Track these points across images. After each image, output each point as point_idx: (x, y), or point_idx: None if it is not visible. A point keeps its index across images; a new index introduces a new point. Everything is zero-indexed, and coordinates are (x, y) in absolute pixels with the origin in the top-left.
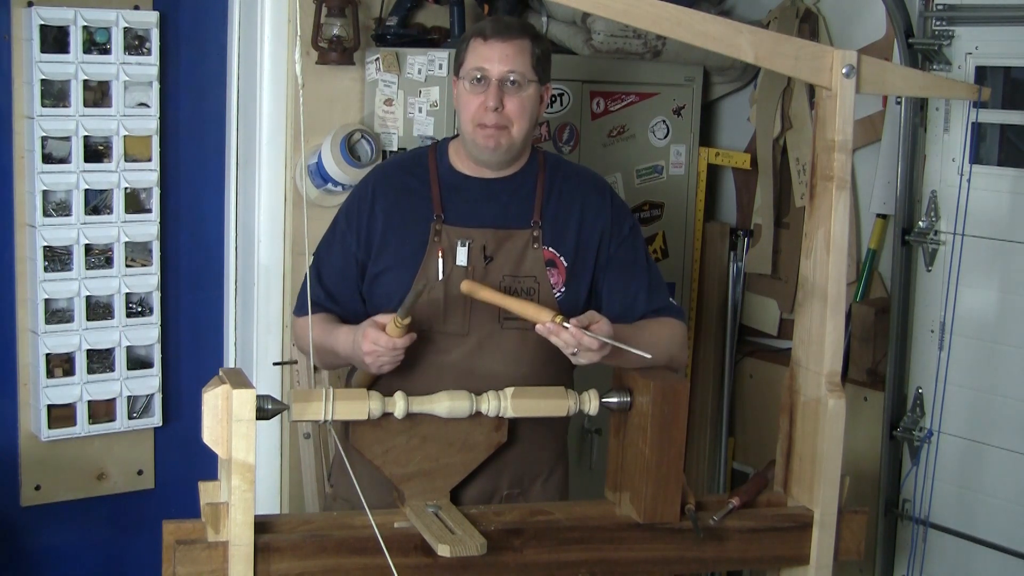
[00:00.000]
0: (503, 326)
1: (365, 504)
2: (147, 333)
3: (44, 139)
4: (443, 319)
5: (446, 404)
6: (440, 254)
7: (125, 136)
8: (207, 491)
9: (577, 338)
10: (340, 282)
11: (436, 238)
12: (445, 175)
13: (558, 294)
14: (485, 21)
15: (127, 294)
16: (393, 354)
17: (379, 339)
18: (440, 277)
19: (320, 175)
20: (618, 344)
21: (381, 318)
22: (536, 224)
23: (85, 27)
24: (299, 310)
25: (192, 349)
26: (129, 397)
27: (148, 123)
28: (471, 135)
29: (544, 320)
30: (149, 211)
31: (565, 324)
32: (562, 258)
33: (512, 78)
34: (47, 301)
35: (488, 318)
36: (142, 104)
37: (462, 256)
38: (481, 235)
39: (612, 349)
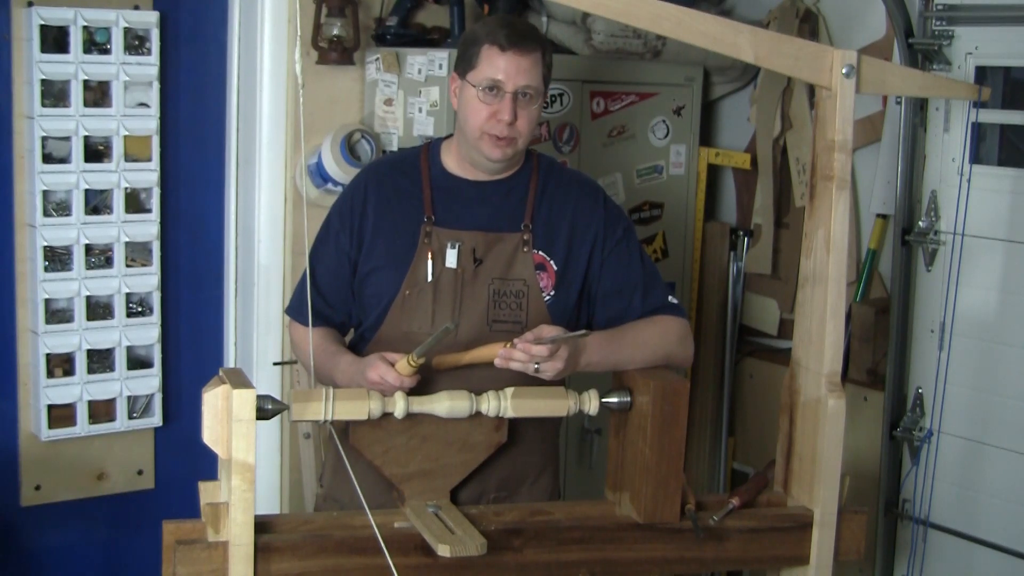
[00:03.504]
0: (492, 328)
1: (365, 504)
2: (147, 333)
3: (44, 139)
4: (432, 323)
5: (446, 404)
6: (429, 256)
7: (125, 136)
8: (207, 491)
9: (527, 351)
10: (333, 282)
11: (426, 240)
12: (437, 177)
13: (547, 297)
14: (497, 26)
15: (127, 294)
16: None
17: (387, 375)
18: (429, 279)
19: (320, 175)
20: (561, 337)
21: (390, 355)
22: (527, 228)
23: (85, 27)
24: (295, 313)
25: (192, 349)
26: (129, 397)
27: (148, 123)
28: (476, 142)
29: (496, 352)
30: (149, 211)
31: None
32: (552, 262)
33: (527, 92)
34: (47, 301)
35: (477, 322)
36: (142, 104)
37: (451, 258)
38: (471, 237)
39: (571, 353)
